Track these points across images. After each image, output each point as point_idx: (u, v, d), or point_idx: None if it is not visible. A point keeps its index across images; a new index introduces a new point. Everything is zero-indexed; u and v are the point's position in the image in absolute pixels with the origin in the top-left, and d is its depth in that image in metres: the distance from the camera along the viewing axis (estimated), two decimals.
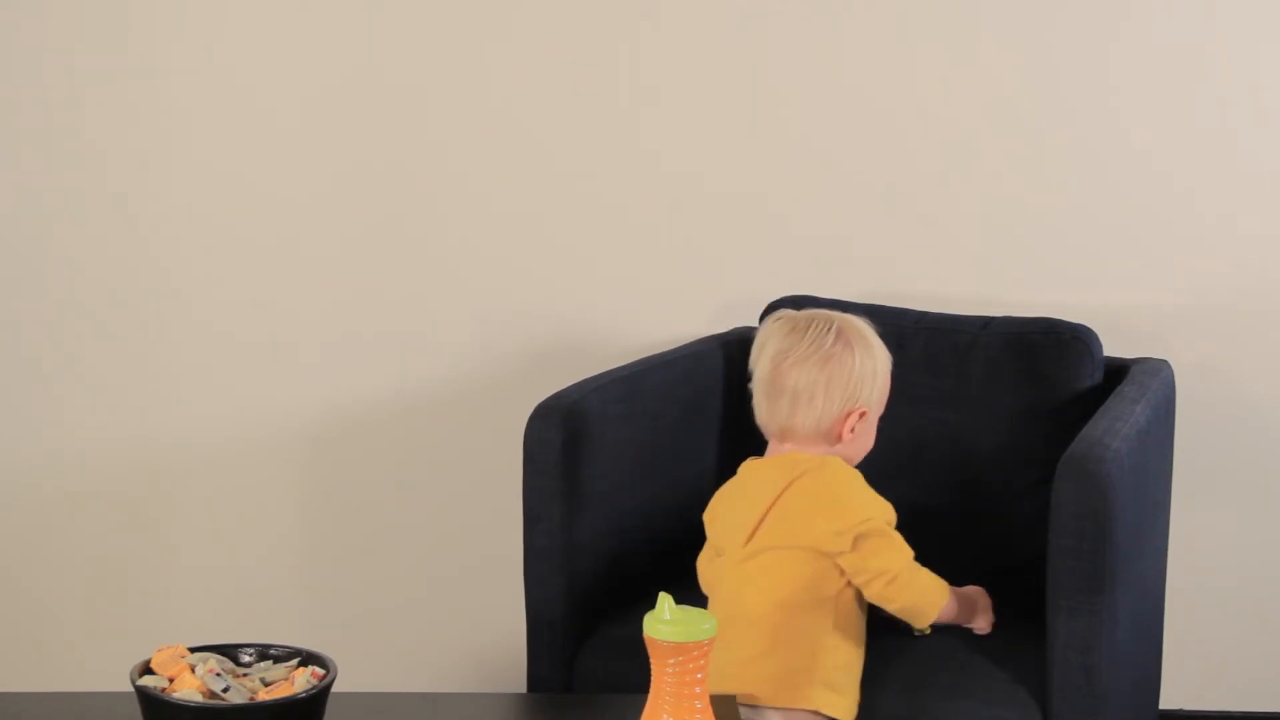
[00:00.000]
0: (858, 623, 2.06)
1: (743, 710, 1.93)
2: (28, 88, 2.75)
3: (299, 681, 1.69)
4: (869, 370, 2.11)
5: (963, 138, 2.68)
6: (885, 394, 2.16)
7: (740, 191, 2.72)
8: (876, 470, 2.42)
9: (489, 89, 2.72)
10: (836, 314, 2.16)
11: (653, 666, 1.62)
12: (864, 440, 2.15)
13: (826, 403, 2.08)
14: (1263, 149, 2.64)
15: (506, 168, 2.74)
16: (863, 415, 2.11)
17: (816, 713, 1.98)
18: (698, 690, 1.62)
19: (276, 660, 1.76)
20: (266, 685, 1.71)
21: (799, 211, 2.72)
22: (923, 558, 2.11)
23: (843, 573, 2.03)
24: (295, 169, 2.76)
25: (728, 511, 2.14)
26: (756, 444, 2.54)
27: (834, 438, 2.11)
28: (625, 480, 2.33)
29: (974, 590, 2.19)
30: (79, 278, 2.79)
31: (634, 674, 1.79)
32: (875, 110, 2.69)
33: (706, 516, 2.17)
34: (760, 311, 2.58)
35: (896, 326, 2.50)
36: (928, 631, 2.12)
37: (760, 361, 2.14)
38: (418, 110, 2.74)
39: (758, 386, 2.14)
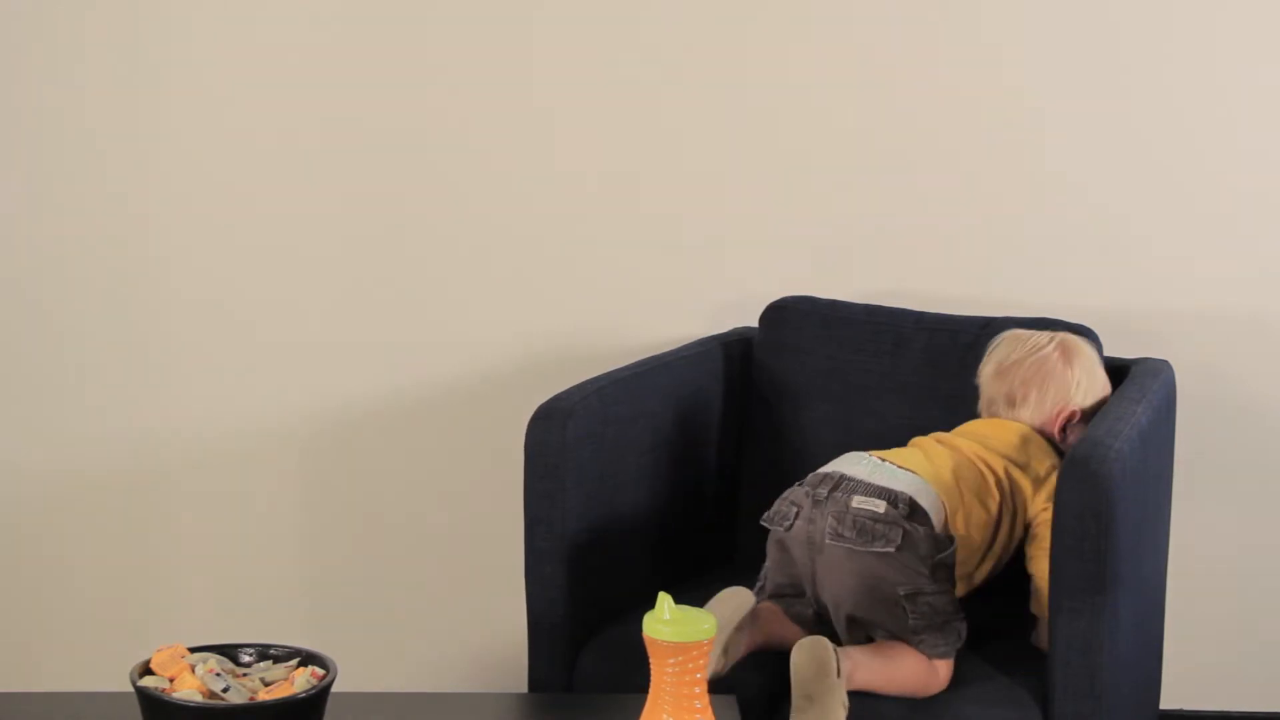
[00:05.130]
0: None
1: None
2: (29, 88, 2.75)
3: (299, 681, 1.69)
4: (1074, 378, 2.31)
5: (963, 138, 2.68)
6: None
7: (740, 192, 2.72)
8: None
9: (488, 90, 2.72)
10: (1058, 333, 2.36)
11: (652, 666, 1.62)
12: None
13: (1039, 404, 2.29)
14: (1263, 149, 2.64)
15: (507, 168, 2.74)
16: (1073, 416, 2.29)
17: None
18: (697, 690, 1.62)
19: (276, 660, 1.76)
20: (266, 685, 1.71)
21: (799, 211, 2.72)
22: None
23: None
24: (296, 170, 2.76)
25: None
26: (756, 443, 2.54)
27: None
28: (626, 481, 2.33)
29: None
30: (79, 278, 2.79)
31: (634, 674, 1.79)
32: (875, 111, 2.69)
33: None
34: (760, 311, 2.58)
35: (896, 326, 2.50)
36: None
37: (985, 368, 2.36)
38: (418, 113, 2.74)
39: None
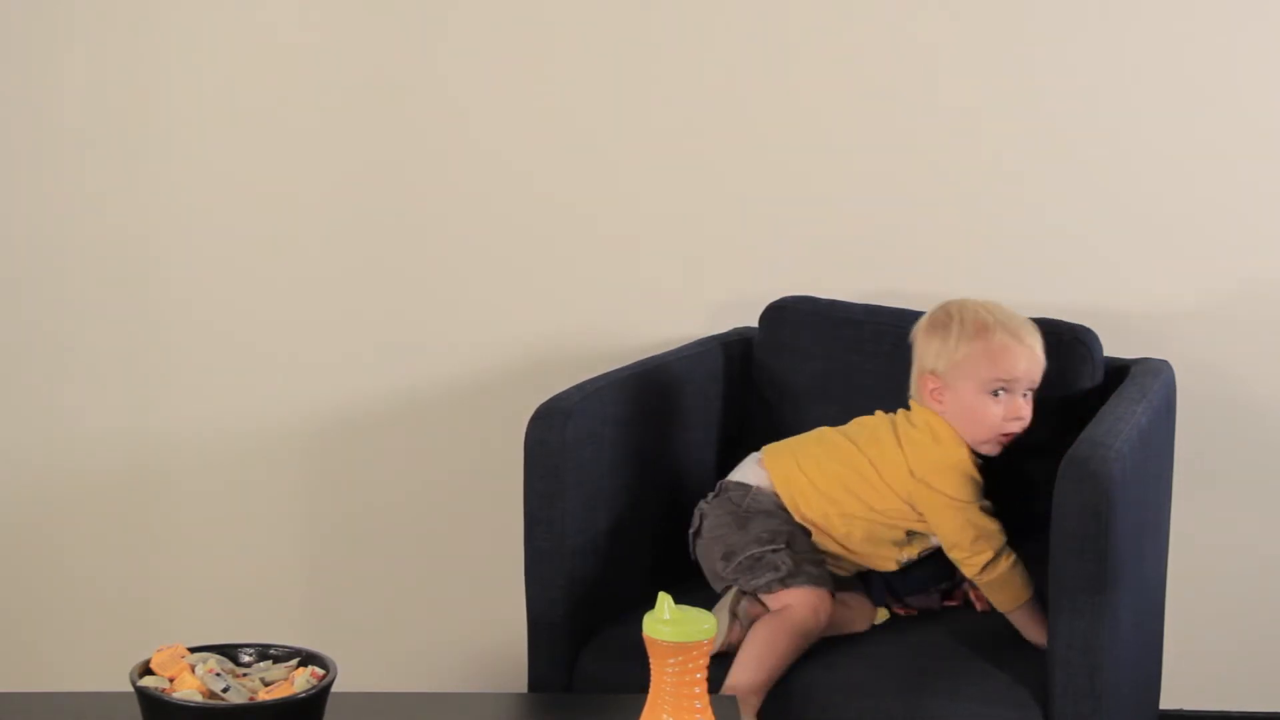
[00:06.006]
0: None
1: None
2: (29, 85, 2.75)
3: (299, 681, 1.69)
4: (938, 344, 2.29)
5: (963, 138, 2.68)
6: (980, 370, 2.26)
7: (741, 192, 2.72)
8: None
9: (488, 91, 2.72)
10: (962, 300, 2.35)
11: (652, 666, 1.62)
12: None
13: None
14: (1262, 149, 2.64)
15: (507, 169, 2.74)
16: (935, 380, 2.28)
17: None
18: (697, 690, 1.62)
19: (276, 660, 1.76)
20: (266, 685, 1.71)
21: (799, 211, 2.72)
22: None
23: None
24: (297, 170, 2.76)
25: None
26: (756, 444, 2.54)
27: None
28: (626, 482, 2.33)
29: None
30: (79, 278, 2.79)
31: (634, 674, 1.79)
32: (875, 111, 2.69)
33: None
34: (760, 311, 2.58)
35: (896, 327, 2.50)
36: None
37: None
38: (419, 115, 2.74)
39: None
